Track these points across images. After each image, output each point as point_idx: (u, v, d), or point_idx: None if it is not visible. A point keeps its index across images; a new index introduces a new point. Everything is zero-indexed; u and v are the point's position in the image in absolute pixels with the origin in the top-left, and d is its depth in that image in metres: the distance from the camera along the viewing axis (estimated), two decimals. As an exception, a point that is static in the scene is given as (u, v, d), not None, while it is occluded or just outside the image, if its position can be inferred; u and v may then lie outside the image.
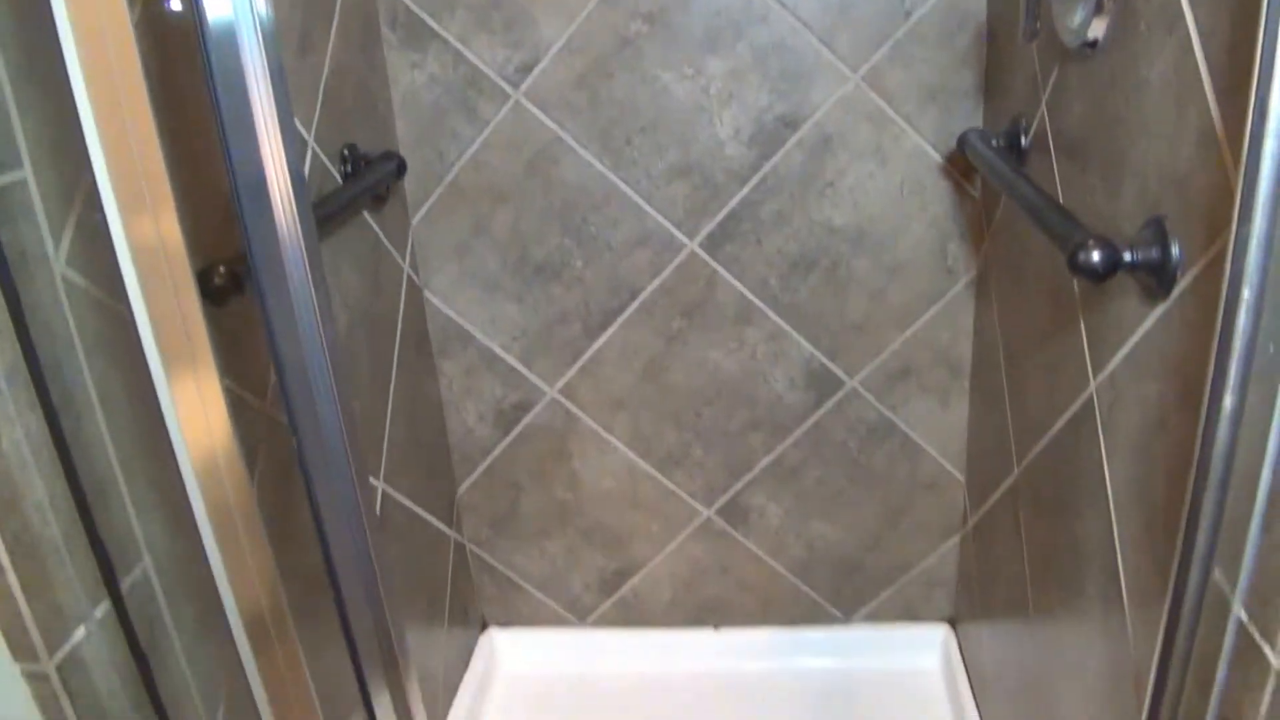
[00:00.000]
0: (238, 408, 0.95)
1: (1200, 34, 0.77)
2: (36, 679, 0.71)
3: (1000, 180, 1.18)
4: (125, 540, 0.79)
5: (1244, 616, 0.63)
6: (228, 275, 0.90)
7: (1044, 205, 1.00)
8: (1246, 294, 0.55)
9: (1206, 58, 0.75)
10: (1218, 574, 0.64)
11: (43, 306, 0.70)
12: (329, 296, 0.77)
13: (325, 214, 1.24)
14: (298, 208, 0.73)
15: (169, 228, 0.71)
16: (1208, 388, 0.59)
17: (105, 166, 0.68)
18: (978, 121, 1.50)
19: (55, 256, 0.72)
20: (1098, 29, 0.96)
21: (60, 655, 0.72)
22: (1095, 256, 0.82)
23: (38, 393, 0.69)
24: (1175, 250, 0.80)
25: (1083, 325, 1.07)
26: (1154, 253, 0.82)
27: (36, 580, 0.70)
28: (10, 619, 0.69)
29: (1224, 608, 0.64)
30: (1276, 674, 0.61)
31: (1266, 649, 0.61)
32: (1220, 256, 0.63)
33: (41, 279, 0.70)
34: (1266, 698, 0.62)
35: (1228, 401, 0.58)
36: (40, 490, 0.69)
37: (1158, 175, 0.85)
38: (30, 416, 0.68)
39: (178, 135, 0.77)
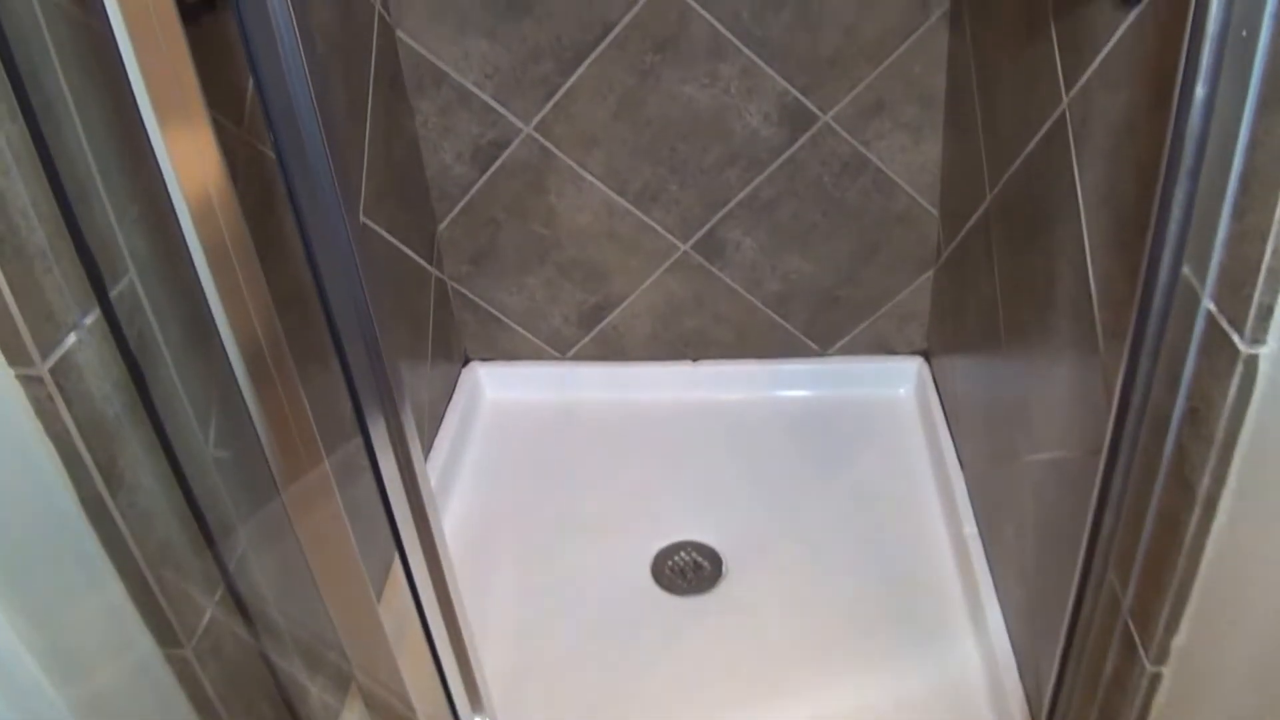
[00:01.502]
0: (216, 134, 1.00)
1: None
2: (31, 382, 0.76)
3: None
4: (111, 251, 0.84)
5: (1213, 307, 0.67)
6: None
7: None
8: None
9: None
10: (1187, 269, 0.67)
11: (17, 15, 0.73)
12: (308, 13, 0.80)
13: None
14: None
15: None
16: (1179, 77, 0.61)
17: None
18: None
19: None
20: None
21: (53, 359, 0.77)
22: None
23: (17, 100, 0.72)
24: None
25: (1055, 41, 1.10)
26: None
27: (26, 285, 0.73)
28: (2, 323, 0.72)
29: (1193, 300, 0.68)
30: (1244, 360, 0.65)
31: (1234, 336, 0.65)
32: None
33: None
34: (1234, 384, 0.66)
35: (1199, 91, 0.60)
36: (23, 196, 0.73)
37: None
38: (10, 125, 0.72)
39: None
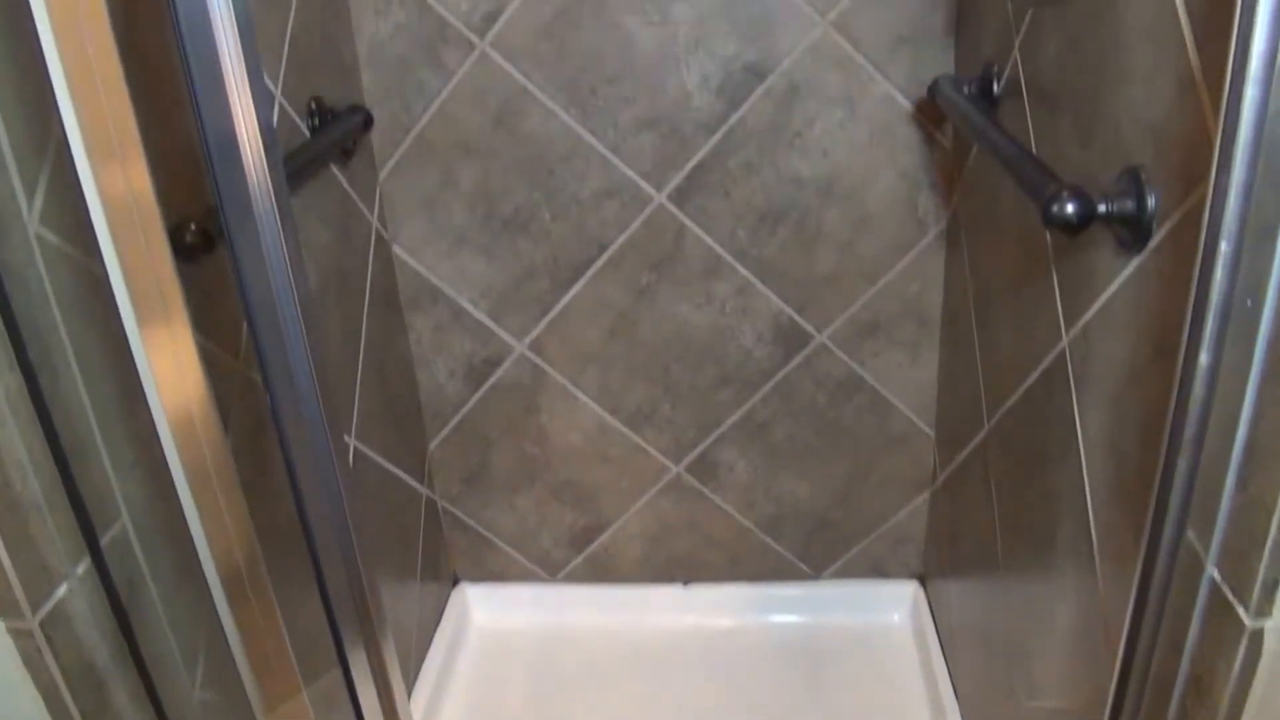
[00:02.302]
0: (211, 365, 1.00)
1: None
2: (21, 635, 0.76)
3: (972, 129, 1.23)
4: (104, 497, 0.85)
5: (1216, 576, 0.66)
6: (199, 232, 0.96)
7: (1017, 155, 1.04)
8: (1224, 247, 0.56)
9: (1185, 1, 0.77)
10: (1191, 534, 0.66)
11: (17, 265, 0.75)
12: (300, 251, 0.81)
13: (293, 168, 1.31)
14: (268, 161, 0.77)
15: (141, 184, 0.77)
16: (1183, 343, 0.60)
17: (76, 122, 0.74)
18: (949, 67, 1.56)
19: (29, 215, 0.77)
20: None
21: (44, 612, 0.77)
22: (1070, 208, 0.85)
23: (15, 352, 0.74)
24: (1151, 201, 0.82)
25: (1055, 277, 1.12)
26: (1129, 204, 0.85)
27: (19, 538, 0.74)
28: (-5, 577, 0.73)
29: (1197, 567, 0.67)
30: (1250, 634, 0.64)
31: (1240, 609, 0.64)
32: (1198, 208, 0.64)
33: (16, 237, 0.75)
34: (1240, 656, 0.65)
35: (1203, 358, 0.59)
36: (20, 449, 0.74)
37: (1134, 123, 0.87)
38: (9, 376, 0.73)
39: (147, 89, 0.82)
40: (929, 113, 1.59)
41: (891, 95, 1.59)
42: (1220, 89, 0.55)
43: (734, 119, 1.61)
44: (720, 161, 1.64)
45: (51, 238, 0.81)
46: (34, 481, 0.76)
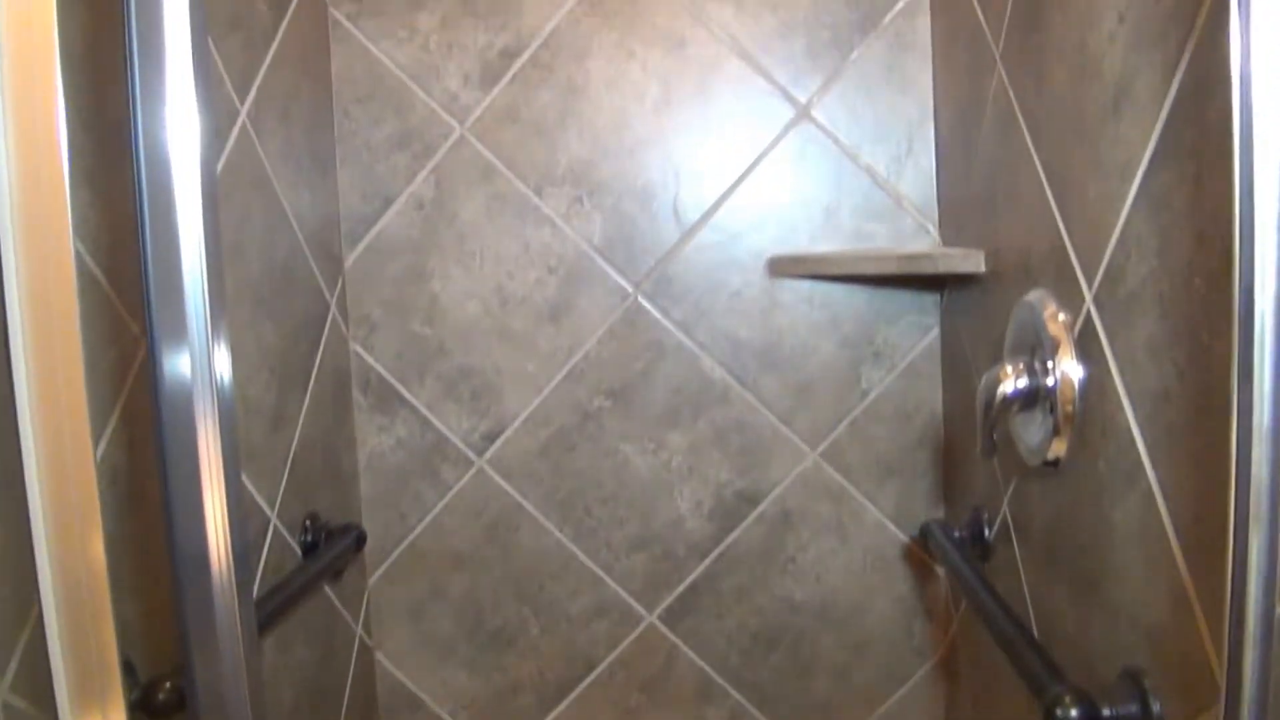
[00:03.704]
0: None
1: (1164, 493, 0.82)
2: None
3: (965, 588, 1.25)
4: None
5: None
6: (173, 690, 0.97)
7: (1015, 636, 1.06)
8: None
9: (1173, 519, 0.80)
10: None
11: None
12: (262, 690, 0.81)
13: (283, 599, 1.32)
14: (244, 643, 0.79)
15: (110, 657, 0.79)
16: None
17: (52, 597, 0.77)
18: (938, 499, 1.61)
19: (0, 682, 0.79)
20: (1058, 449, 1.04)
21: None
22: (1073, 714, 0.86)
23: None
24: (1156, 708, 0.83)
25: None
26: (1133, 708, 0.85)
27: None
28: None
29: None
30: None
31: None
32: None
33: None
34: None
35: None
36: None
37: (1130, 622, 0.89)
38: None
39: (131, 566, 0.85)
40: (921, 543, 1.61)
41: (883, 524, 1.62)
42: (1218, 618, 0.57)
43: (726, 543, 1.64)
44: (713, 584, 1.65)
45: (21, 704, 0.81)
46: None
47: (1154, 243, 0.81)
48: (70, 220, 0.81)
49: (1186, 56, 0.74)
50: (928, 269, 1.38)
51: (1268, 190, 0.58)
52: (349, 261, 1.63)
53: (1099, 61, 0.90)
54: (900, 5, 1.55)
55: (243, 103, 1.30)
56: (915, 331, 1.59)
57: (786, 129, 1.57)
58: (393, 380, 1.65)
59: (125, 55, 0.68)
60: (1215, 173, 0.70)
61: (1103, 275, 0.91)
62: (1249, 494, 0.58)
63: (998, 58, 1.20)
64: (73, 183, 0.87)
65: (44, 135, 0.79)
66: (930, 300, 1.58)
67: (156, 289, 0.71)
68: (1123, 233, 0.87)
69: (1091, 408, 0.96)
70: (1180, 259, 0.76)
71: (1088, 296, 0.95)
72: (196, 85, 0.69)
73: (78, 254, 0.92)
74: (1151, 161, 0.81)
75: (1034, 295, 1.08)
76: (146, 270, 0.71)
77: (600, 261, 1.60)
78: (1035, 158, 1.08)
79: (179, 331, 0.71)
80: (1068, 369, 0.99)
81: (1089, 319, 0.95)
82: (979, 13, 1.28)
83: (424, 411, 1.65)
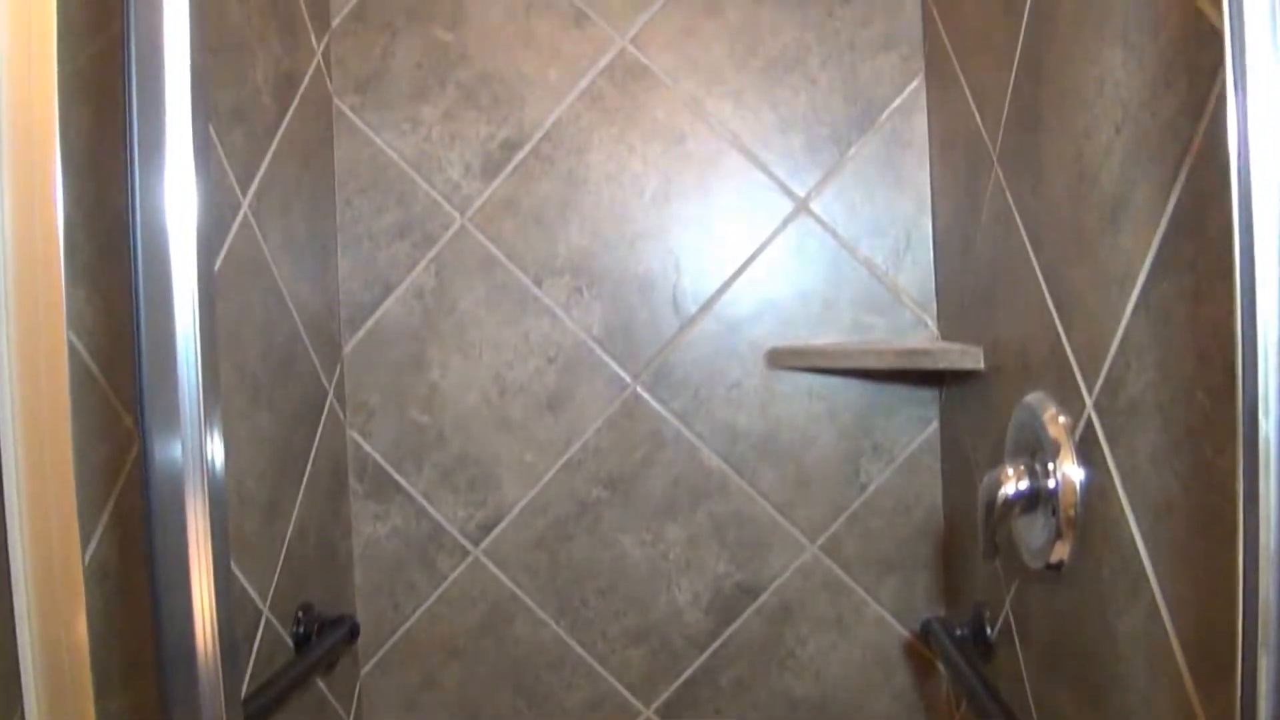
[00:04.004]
0: None
1: (1169, 608, 0.80)
2: None
3: (969, 691, 1.24)
4: None
5: None
6: None
7: None
8: None
9: (1179, 635, 0.78)
10: None
11: None
12: None
13: (274, 694, 1.30)
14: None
15: None
16: None
17: (34, 695, 0.76)
18: (939, 594, 1.59)
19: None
20: (1060, 553, 1.02)
21: None
22: None
23: None
24: None
25: None
26: None
27: None
28: None
29: None
30: None
31: None
32: None
33: None
34: None
35: None
36: None
37: None
38: None
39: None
40: (923, 638, 1.59)
41: (884, 618, 1.60)
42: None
43: (724, 636, 1.62)
44: (711, 677, 1.63)
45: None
46: None
47: (1154, 354, 0.81)
48: (65, 314, 0.82)
49: (1184, 172, 0.74)
50: (926, 365, 1.38)
51: (1270, 311, 0.58)
52: (348, 348, 1.63)
53: (1096, 172, 0.91)
54: (897, 103, 1.57)
55: (245, 194, 1.32)
56: (914, 424, 1.59)
57: (785, 222, 1.59)
58: (389, 468, 1.64)
59: (126, 147, 0.69)
60: (1215, 288, 0.70)
61: (1103, 382, 0.91)
62: (1257, 619, 0.58)
63: (995, 158, 1.22)
64: (71, 277, 0.88)
65: (42, 229, 0.79)
66: (929, 394, 1.58)
67: (150, 379, 0.71)
68: (1122, 341, 0.87)
69: (1094, 513, 0.96)
70: (1182, 372, 0.76)
71: (1088, 402, 0.95)
72: (197, 178, 0.70)
73: (74, 349, 0.93)
74: (1150, 274, 0.81)
75: (1034, 397, 1.08)
76: (141, 360, 0.71)
77: (599, 351, 1.61)
78: (1034, 259, 1.09)
79: (171, 422, 0.71)
80: (1069, 472, 0.99)
81: (1090, 424, 0.95)
82: (976, 114, 1.29)
83: (420, 500, 1.64)
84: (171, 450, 0.71)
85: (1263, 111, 0.58)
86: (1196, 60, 0.72)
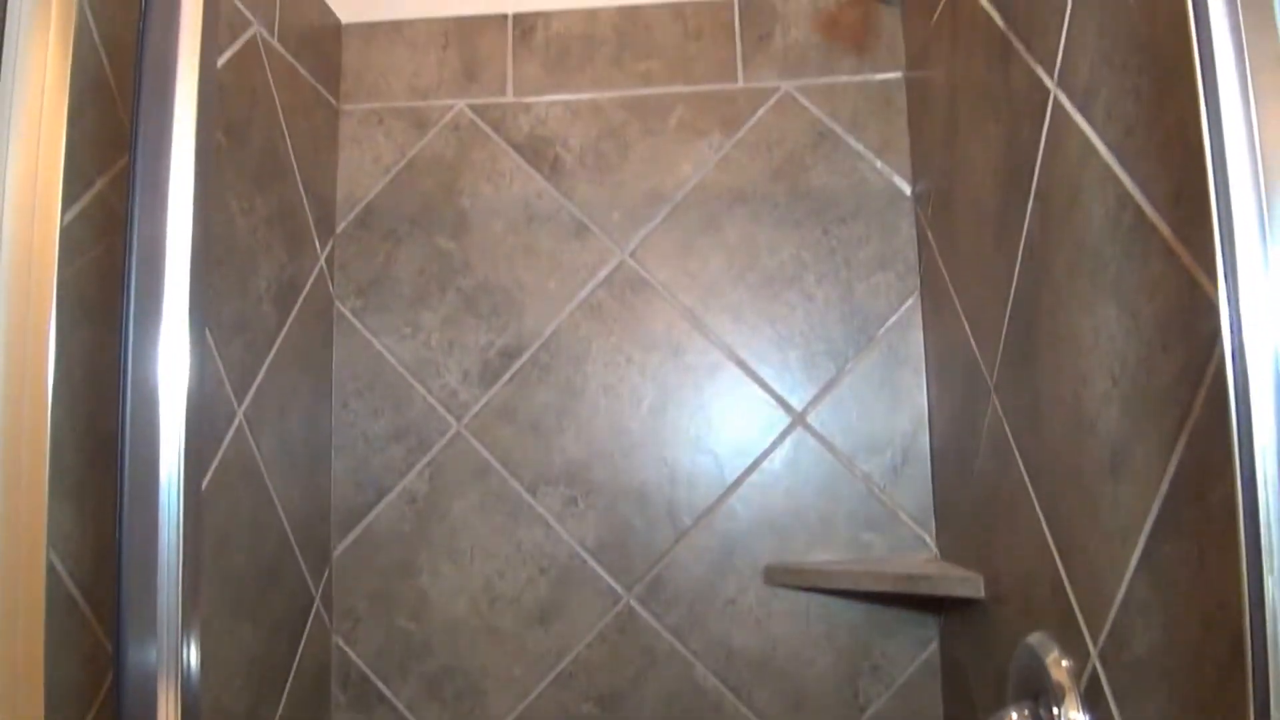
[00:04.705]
0: None
1: None
2: None
3: None
4: None
5: None
6: None
7: None
8: None
9: None
10: None
11: None
12: None
13: None
14: None
15: None
16: None
17: None
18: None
19: None
20: None
21: None
22: None
23: None
24: None
25: None
26: None
27: None
28: None
29: None
30: None
31: None
32: None
33: None
34: None
35: None
36: None
37: None
38: None
39: None
40: None
41: None
42: None
43: None
44: None
45: None
46: None
47: (1160, 615, 0.79)
48: (45, 534, 0.80)
49: (1184, 437, 0.74)
50: (925, 590, 1.36)
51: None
52: (337, 551, 1.61)
53: (1094, 419, 0.90)
54: (893, 320, 1.58)
55: (240, 403, 1.31)
56: (914, 646, 1.55)
57: (783, 435, 1.58)
58: (374, 677, 1.59)
59: (121, 362, 0.69)
60: (1221, 560, 0.69)
61: (1108, 635, 0.89)
62: None
63: (992, 387, 1.22)
64: (56, 495, 0.87)
65: (30, 445, 0.78)
66: (929, 616, 1.55)
67: (129, 587, 0.69)
68: (1126, 596, 0.85)
69: (1103, 769, 0.92)
70: (1188, 640, 0.74)
71: (1093, 651, 0.92)
72: (190, 388, 0.69)
73: (56, 571, 0.91)
74: (1153, 533, 0.79)
75: (1036, 638, 1.05)
76: (121, 575, 0.69)
77: (593, 563, 1.58)
78: (1033, 496, 1.08)
79: (148, 630, 0.69)
80: (1075, 721, 0.95)
81: (1095, 675, 0.92)
82: (972, 341, 1.30)
83: (404, 711, 1.58)
84: (147, 657, 0.69)
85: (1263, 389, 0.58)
86: (1194, 326, 0.72)
